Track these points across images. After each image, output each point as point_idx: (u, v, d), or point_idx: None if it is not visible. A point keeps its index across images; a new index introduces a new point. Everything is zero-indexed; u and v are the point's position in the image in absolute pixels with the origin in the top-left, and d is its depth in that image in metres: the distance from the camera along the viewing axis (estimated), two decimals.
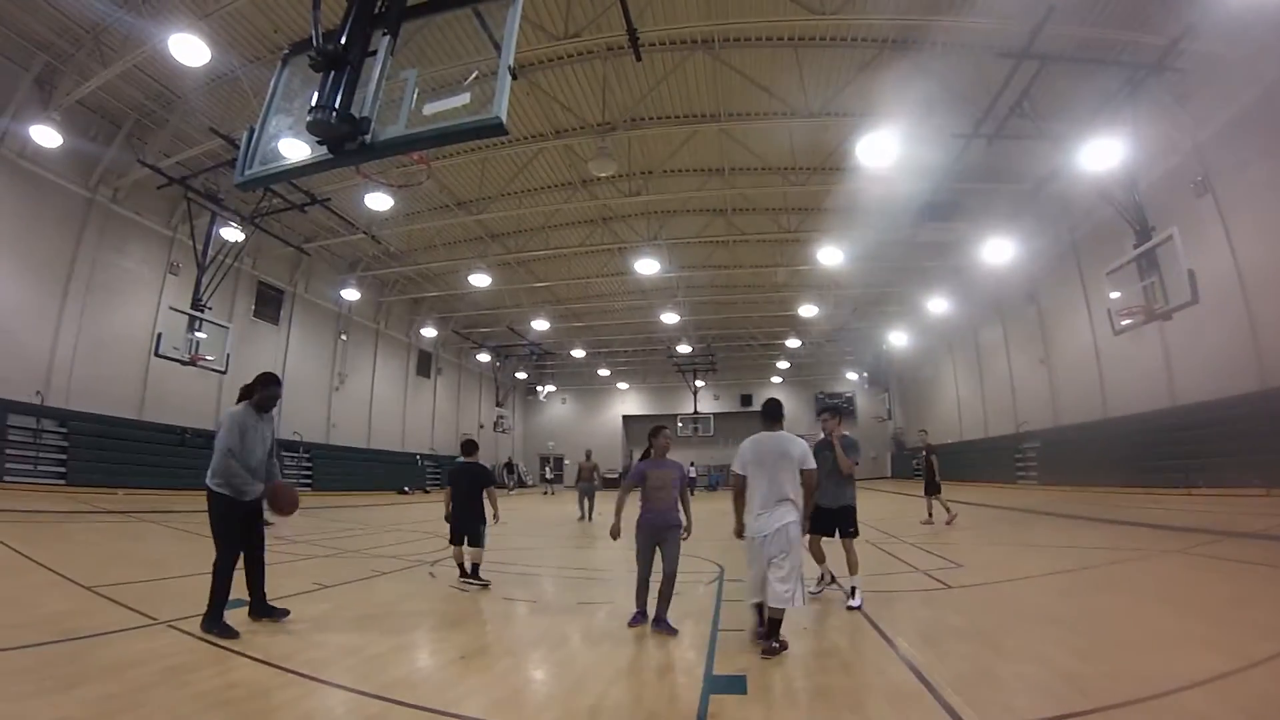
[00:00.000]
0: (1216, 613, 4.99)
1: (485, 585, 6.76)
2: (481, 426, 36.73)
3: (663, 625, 4.81)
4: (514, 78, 3.72)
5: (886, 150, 14.14)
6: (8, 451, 14.11)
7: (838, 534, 6.02)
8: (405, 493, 27.58)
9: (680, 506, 5.16)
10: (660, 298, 27.71)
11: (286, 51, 4.42)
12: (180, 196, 16.36)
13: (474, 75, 4.79)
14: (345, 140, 3.83)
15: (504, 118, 3.58)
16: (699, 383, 37.75)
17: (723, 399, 42.79)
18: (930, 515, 13.26)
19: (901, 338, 32.42)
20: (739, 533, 4.78)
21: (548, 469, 38.94)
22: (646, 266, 21.45)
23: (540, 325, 29.93)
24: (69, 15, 12.48)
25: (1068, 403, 20.66)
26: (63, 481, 14.99)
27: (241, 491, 4.83)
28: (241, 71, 13.34)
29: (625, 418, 45.67)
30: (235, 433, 4.82)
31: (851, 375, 41.28)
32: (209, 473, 4.81)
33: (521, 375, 42.03)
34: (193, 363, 15.80)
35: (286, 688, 3.60)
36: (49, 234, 15.29)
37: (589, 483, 17.21)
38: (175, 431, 18.22)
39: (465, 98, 3.92)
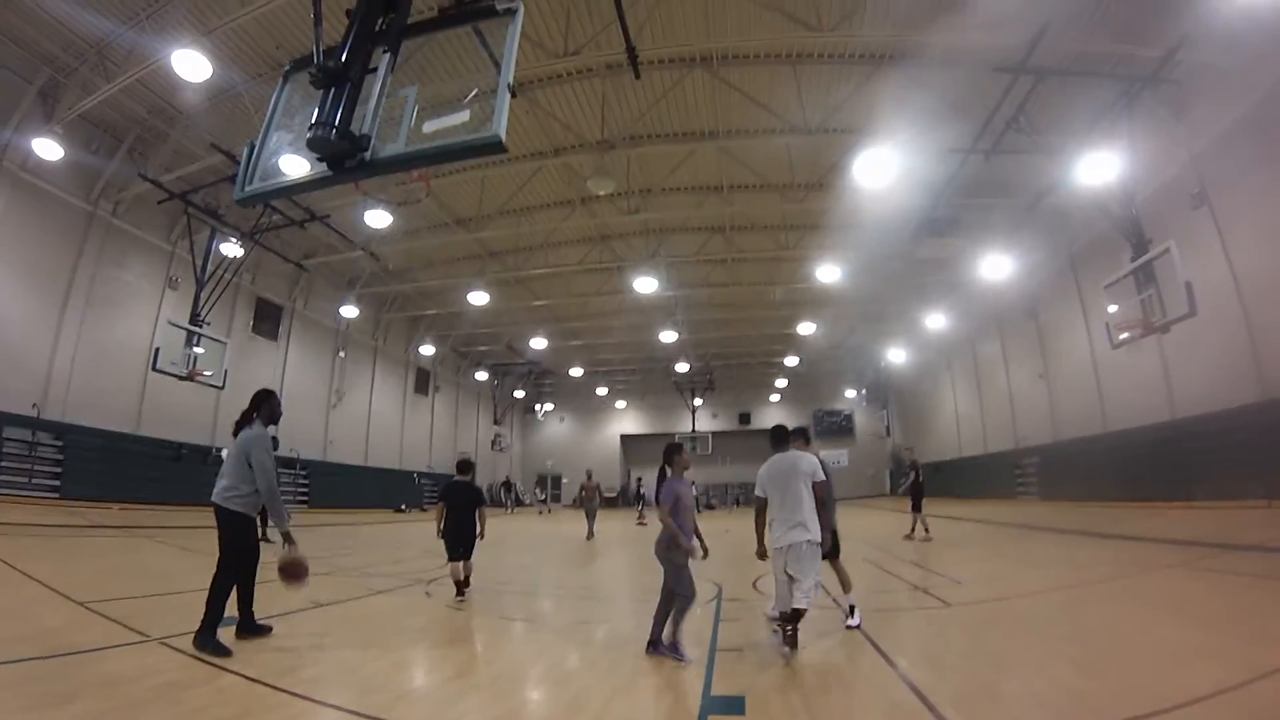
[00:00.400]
0: (1220, 625, 4.95)
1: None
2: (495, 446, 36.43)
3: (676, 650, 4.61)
4: (513, 95, 3.75)
5: (884, 166, 14.24)
6: (2, 464, 14.01)
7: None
8: (402, 511, 27.42)
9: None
10: (659, 316, 27.71)
11: (288, 68, 4.44)
12: (180, 211, 16.41)
13: (474, 93, 4.82)
14: (345, 157, 3.84)
15: (503, 135, 3.60)
16: (697, 401, 37.74)
17: (721, 417, 42.76)
18: (913, 531, 13.56)
19: (900, 354, 32.46)
20: (761, 554, 5.00)
21: (537, 488, 38.24)
22: (645, 285, 21.47)
23: (539, 343, 29.96)
24: (74, 30, 12.57)
25: (1067, 417, 20.62)
26: (57, 495, 14.88)
27: (256, 507, 4.93)
28: (243, 87, 13.43)
29: (623, 436, 45.63)
30: (271, 455, 4.92)
31: (850, 392, 41.31)
32: (232, 493, 4.79)
33: (520, 394, 41.97)
34: (190, 378, 15.75)
35: (281, 707, 3.55)
36: (49, 246, 15.31)
37: (591, 501, 17.29)
38: (172, 446, 18.15)
39: (465, 115, 3.95)
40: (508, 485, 36.55)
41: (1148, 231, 12.50)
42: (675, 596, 4.63)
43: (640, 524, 22.26)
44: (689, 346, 32.55)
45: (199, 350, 16.00)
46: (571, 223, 20.32)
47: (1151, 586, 6.99)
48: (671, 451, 5.03)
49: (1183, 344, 13.97)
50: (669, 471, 4.97)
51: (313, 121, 3.76)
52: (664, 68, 13.61)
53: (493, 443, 36.16)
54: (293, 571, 4.94)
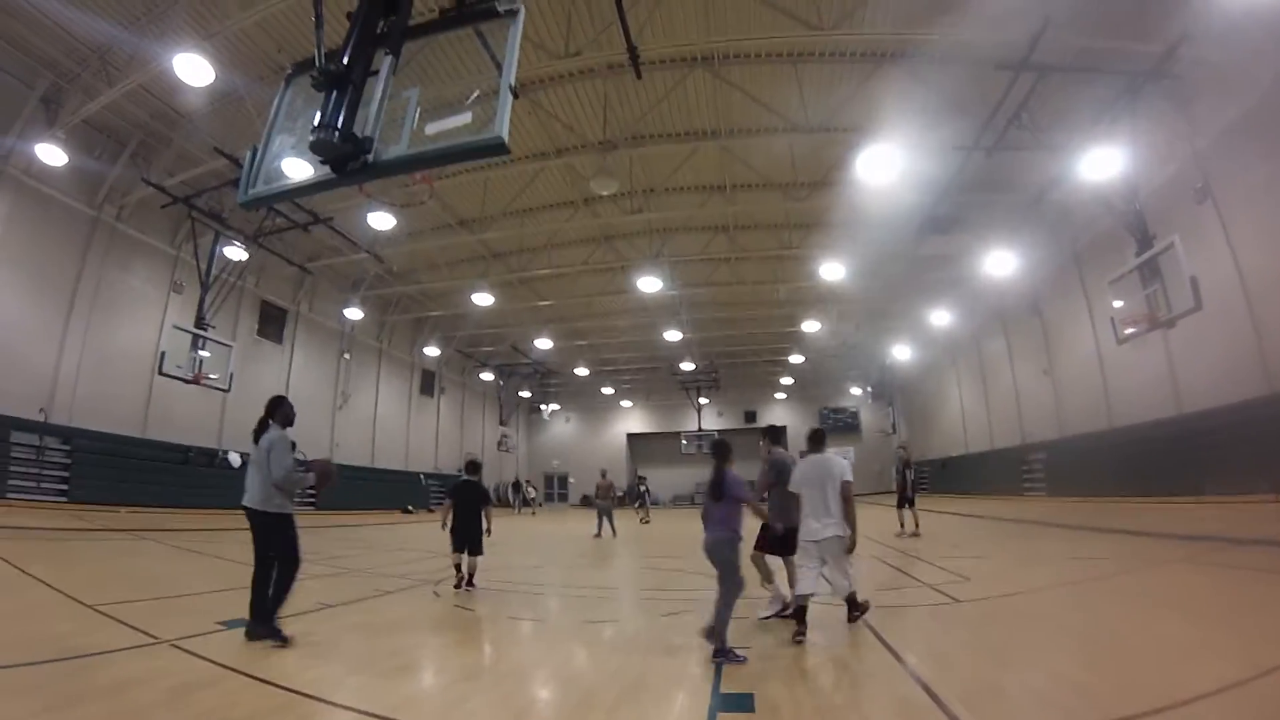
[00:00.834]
0: (1226, 621, 4.93)
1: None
2: (502, 445, 36.23)
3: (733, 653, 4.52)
4: (515, 97, 3.75)
5: (886, 164, 14.18)
6: (10, 469, 14.08)
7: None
8: (409, 512, 27.42)
9: None
10: (663, 315, 27.68)
11: (290, 71, 4.45)
12: (184, 215, 16.49)
13: (476, 94, 4.83)
14: (348, 160, 3.85)
15: (506, 137, 3.60)
16: (702, 400, 37.65)
17: (726, 415, 42.69)
18: (903, 526, 13.71)
19: (905, 351, 32.37)
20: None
21: (527, 486, 37.29)
22: (649, 284, 21.47)
23: (543, 344, 29.95)
24: (75, 35, 12.62)
25: (1073, 413, 20.55)
26: (65, 499, 14.95)
27: (291, 502, 5.14)
28: (245, 91, 13.45)
29: (629, 435, 45.64)
30: (291, 455, 5.10)
31: (855, 390, 41.20)
32: (266, 497, 4.94)
33: (525, 394, 41.90)
34: (196, 381, 15.83)
35: (290, 708, 3.56)
36: (54, 252, 15.37)
37: (606, 500, 17.27)
38: (179, 450, 18.22)
39: (467, 117, 3.96)
40: (516, 485, 36.42)
41: (1152, 227, 12.47)
42: (726, 593, 4.64)
43: (644, 522, 22.42)
44: (694, 345, 32.53)
45: (204, 354, 16.08)
46: (575, 223, 20.31)
47: (1159, 582, 6.96)
48: (725, 447, 5.06)
49: (1188, 339, 13.94)
50: (726, 466, 4.94)
51: (315, 124, 3.76)
52: (665, 67, 13.60)
53: (499, 443, 36.07)
54: (325, 471, 5.42)
